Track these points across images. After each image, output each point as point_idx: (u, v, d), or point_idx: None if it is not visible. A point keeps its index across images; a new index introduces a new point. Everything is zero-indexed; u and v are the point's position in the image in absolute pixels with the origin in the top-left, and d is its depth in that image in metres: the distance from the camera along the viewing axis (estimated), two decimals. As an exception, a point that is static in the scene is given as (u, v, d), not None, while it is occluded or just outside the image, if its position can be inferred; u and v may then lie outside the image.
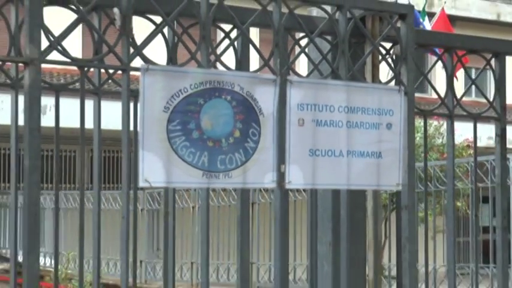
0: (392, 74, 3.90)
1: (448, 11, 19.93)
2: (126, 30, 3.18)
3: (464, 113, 4.34)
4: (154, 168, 3.19)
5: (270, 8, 3.51)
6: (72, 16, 3.20)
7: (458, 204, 12.52)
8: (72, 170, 21.80)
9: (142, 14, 3.33)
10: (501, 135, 4.40)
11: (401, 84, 3.82)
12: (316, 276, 3.94)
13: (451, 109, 4.21)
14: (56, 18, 3.38)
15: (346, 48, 3.74)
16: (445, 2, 23.77)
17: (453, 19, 20.16)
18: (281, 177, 3.46)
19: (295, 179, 3.51)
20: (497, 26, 26.13)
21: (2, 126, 2.74)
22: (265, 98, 3.43)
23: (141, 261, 14.84)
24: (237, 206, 3.61)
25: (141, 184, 3.20)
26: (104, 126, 3.41)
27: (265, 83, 3.45)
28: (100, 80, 3.42)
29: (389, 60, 3.96)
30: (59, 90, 3.38)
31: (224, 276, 13.41)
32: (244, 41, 3.57)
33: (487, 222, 14.87)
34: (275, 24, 3.52)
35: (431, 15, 20.45)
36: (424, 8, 19.69)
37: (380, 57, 3.91)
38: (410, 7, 3.94)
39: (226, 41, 3.58)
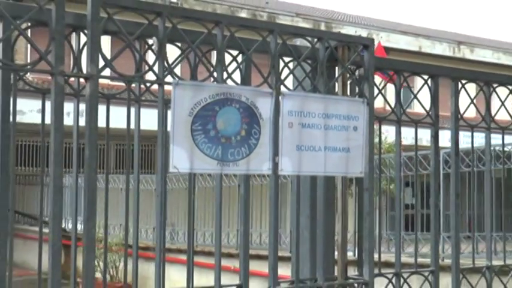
0: (357, 90, 3.93)
1: (384, 43, 20.09)
2: (162, 54, 3.20)
3: (408, 119, 4.37)
4: (181, 158, 3.19)
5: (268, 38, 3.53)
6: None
7: (391, 187, 12.59)
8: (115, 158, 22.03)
9: (173, 42, 3.34)
10: (435, 137, 4.44)
11: (364, 97, 3.84)
12: (298, 240, 3.96)
13: (399, 116, 4.24)
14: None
15: (324, 70, 3.74)
16: (381, 37, 24.04)
17: (387, 49, 20.30)
18: (275, 166, 3.48)
19: (286, 167, 3.53)
20: (419, 56, 26.31)
21: (67, 126, 2.70)
22: (264, 106, 3.45)
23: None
24: (241, 186, 3.62)
25: (171, 169, 3.21)
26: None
27: (264, 95, 3.47)
28: (140, 91, 3.46)
29: (355, 79, 3.96)
30: (109, 99, 3.38)
31: (233, 240, 13.33)
32: (248, 62, 3.57)
33: (408, 201, 14.96)
34: (272, 50, 3.53)
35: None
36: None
37: (348, 76, 3.93)
38: (371, 40, 3.94)
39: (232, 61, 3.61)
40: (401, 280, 4.16)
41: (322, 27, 24.78)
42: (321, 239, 3.89)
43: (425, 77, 4.45)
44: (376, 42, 4.42)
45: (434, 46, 27.95)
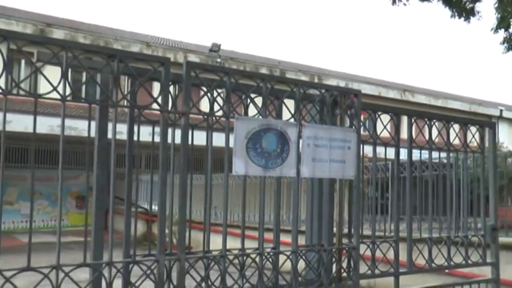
0: (350, 123, 3.88)
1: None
2: (229, 99, 3.25)
3: (380, 142, 4.22)
4: (239, 166, 3.19)
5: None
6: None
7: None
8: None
9: (234, 91, 3.33)
10: (397, 152, 4.35)
11: (354, 127, 3.83)
12: (312, 219, 3.98)
13: (374, 139, 4.18)
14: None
15: (329, 110, 3.75)
16: (353, 85, 23.76)
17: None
18: (298, 171, 3.46)
19: (305, 172, 3.51)
20: (378, 99, 25.87)
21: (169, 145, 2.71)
22: (292, 133, 3.43)
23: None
24: (275, 185, 3.54)
25: (233, 173, 3.20)
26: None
27: (292, 126, 3.45)
28: (212, 121, 3.38)
29: (349, 116, 3.89)
30: (194, 125, 3.35)
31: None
32: (280, 104, 3.54)
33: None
34: (297, 97, 3.53)
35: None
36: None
37: (344, 114, 3.87)
38: (359, 91, 3.90)
39: (271, 103, 3.60)
40: (375, 246, 4.16)
41: (316, 79, 24.61)
42: (325, 219, 3.88)
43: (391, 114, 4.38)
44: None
45: (388, 92, 27.72)
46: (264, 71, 23.24)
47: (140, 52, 19.55)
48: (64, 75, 2.58)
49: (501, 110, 32.29)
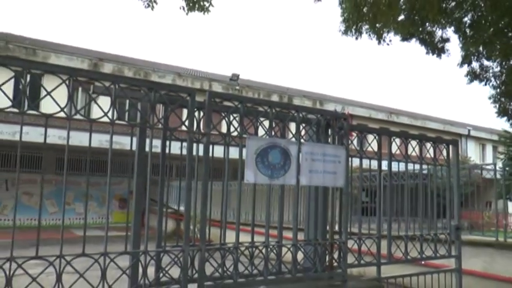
0: (340, 141, 3.88)
1: (351, 112, 19.66)
2: (242, 122, 3.30)
3: (366, 156, 4.23)
4: (249, 175, 3.21)
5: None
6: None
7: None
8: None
9: (250, 115, 3.36)
10: (379, 165, 4.35)
11: (344, 145, 3.85)
12: (308, 218, 4.00)
13: (361, 155, 4.16)
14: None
15: (323, 131, 3.79)
16: (348, 108, 23.60)
17: (352, 116, 19.89)
18: (298, 180, 3.47)
19: (303, 181, 3.51)
20: (369, 120, 25.59)
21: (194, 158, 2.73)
22: (293, 149, 3.44)
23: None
24: (279, 191, 3.54)
25: (245, 181, 3.22)
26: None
27: (293, 144, 3.47)
28: (229, 140, 3.33)
29: (340, 135, 3.88)
30: (214, 143, 3.39)
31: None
32: (284, 127, 3.56)
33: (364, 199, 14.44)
34: (297, 121, 3.57)
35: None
36: (341, 110, 19.56)
37: (336, 134, 3.89)
38: (348, 115, 3.91)
39: (276, 126, 3.62)
40: (361, 241, 4.16)
41: (318, 103, 24.55)
42: (320, 219, 3.90)
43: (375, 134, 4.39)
44: (346, 112, 4.37)
45: (377, 114, 27.59)
46: (275, 96, 23.32)
47: (173, 83, 19.75)
48: (113, 104, 2.68)
49: (469, 130, 32.01)
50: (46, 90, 2.60)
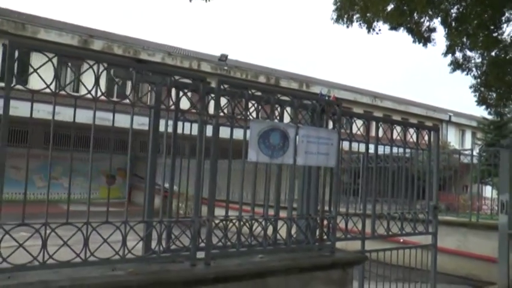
0: (333, 125, 4.12)
1: (336, 95, 19.96)
2: (246, 107, 3.50)
3: (355, 139, 4.51)
4: (252, 155, 3.42)
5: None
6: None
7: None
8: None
9: (254, 100, 3.56)
10: (366, 148, 4.71)
11: (336, 129, 4.07)
12: (302, 194, 4.20)
13: (350, 138, 4.44)
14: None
15: (318, 115, 3.99)
16: (335, 92, 23.82)
17: (338, 99, 20.20)
18: (294, 160, 3.68)
19: (299, 161, 3.73)
20: (354, 104, 25.87)
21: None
22: (291, 132, 3.64)
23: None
24: (276, 170, 3.76)
25: (248, 160, 3.43)
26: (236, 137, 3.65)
27: (291, 127, 3.66)
28: (234, 122, 3.48)
29: (332, 120, 4.10)
30: (221, 124, 3.51)
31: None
32: (282, 111, 3.75)
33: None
34: (295, 105, 3.79)
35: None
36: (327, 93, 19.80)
37: (329, 118, 4.11)
38: (340, 102, 4.13)
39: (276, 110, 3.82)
40: (348, 218, 4.46)
41: (304, 86, 24.73)
42: (313, 194, 4.14)
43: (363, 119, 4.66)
44: (331, 95, 4.49)
45: (362, 97, 27.94)
46: (262, 77, 23.45)
47: (162, 61, 19.68)
48: (134, 88, 2.94)
49: (450, 116, 32.74)
50: (33, 67, 2.65)
